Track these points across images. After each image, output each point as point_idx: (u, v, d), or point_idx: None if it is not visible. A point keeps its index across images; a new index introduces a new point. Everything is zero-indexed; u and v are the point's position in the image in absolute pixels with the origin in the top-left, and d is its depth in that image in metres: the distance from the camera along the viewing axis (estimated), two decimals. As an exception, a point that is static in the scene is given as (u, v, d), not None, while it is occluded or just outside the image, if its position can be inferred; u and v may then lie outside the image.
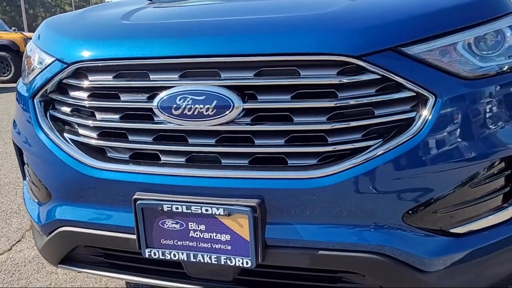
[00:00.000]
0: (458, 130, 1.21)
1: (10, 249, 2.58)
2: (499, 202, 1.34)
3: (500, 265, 1.36)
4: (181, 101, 1.27)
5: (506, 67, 1.30)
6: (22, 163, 1.82)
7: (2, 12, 56.72)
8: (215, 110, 1.24)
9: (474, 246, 1.29)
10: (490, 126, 1.25)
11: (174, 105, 1.27)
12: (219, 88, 1.25)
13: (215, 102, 1.24)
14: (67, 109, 1.48)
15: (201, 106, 1.25)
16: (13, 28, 15.09)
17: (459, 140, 1.22)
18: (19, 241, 2.67)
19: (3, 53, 11.79)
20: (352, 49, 1.19)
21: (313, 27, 1.26)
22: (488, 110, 1.24)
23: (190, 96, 1.26)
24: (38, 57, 1.57)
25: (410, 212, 1.23)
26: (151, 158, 1.37)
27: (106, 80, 1.39)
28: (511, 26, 1.35)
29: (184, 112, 1.26)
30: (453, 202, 1.27)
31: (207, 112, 1.25)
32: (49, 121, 1.51)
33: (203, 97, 1.25)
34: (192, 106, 1.26)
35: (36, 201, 1.65)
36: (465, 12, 1.31)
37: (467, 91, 1.22)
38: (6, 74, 12.04)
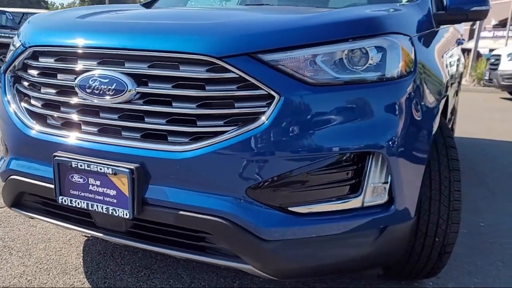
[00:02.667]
0: (295, 125, 1.47)
1: (10, 205, 3.06)
2: (343, 192, 1.57)
3: (335, 249, 1.59)
4: (92, 82, 1.62)
5: (357, 79, 1.53)
6: None
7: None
8: (114, 91, 1.59)
9: (311, 226, 1.54)
10: (325, 125, 1.48)
11: (87, 85, 1.63)
12: (120, 74, 1.60)
13: (114, 84, 1.59)
14: (26, 84, 1.88)
15: (104, 86, 1.60)
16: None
17: (295, 133, 1.47)
18: (19, 200, 3.14)
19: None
20: (214, 51, 1.49)
21: (191, 33, 1.58)
22: (325, 112, 1.48)
23: (99, 79, 1.61)
24: (14, 42, 1.99)
25: (252, 187, 1.50)
26: (76, 126, 1.73)
27: (49, 62, 1.77)
28: (379, 46, 1.58)
29: (93, 91, 1.62)
30: (292, 185, 1.52)
31: (108, 92, 1.60)
32: (15, 91, 1.92)
33: (107, 80, 1.60)
34: (99, 86, 1.61)
35: (2, 156, 2.07)
36: (328, 30, 1.56)
37: (308, 95, 1.48)
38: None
